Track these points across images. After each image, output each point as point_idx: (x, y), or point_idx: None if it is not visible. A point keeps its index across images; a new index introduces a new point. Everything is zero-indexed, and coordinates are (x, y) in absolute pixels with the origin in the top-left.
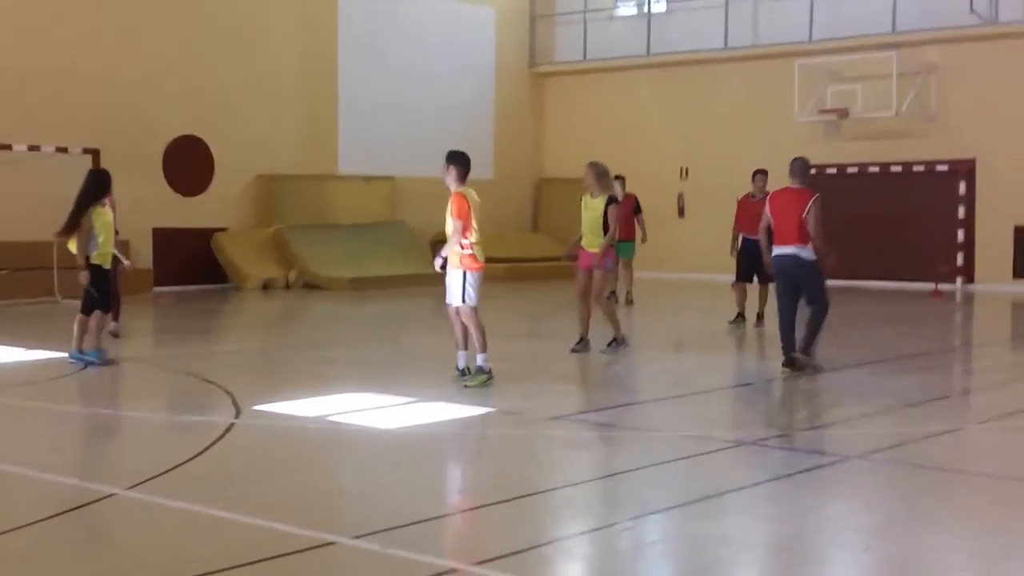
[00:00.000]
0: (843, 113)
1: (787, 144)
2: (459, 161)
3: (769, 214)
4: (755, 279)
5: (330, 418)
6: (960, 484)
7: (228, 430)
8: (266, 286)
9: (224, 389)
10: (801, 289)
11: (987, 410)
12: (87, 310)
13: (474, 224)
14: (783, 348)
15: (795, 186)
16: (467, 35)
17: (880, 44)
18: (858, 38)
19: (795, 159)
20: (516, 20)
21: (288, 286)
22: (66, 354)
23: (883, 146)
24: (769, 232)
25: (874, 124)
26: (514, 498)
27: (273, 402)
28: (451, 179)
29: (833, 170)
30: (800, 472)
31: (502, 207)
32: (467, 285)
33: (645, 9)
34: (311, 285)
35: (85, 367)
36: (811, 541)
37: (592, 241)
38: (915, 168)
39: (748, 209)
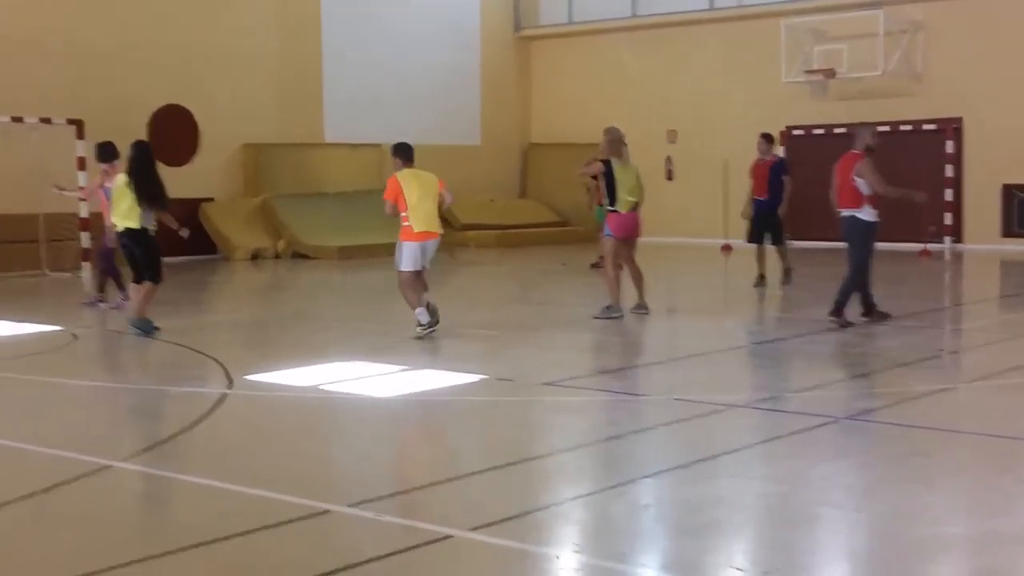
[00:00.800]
0: (829, 73)
1: (774, 105)
2: (398, 151)
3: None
4: (767, 240)
5: (322, 387)
6: (950, 443)
7: (221, 401)
8: (255, 256)
9: (216, 360)
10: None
11: (977, 369)
12: (142, 279)
13: (411, 200)
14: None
15: (854, 151)
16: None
17: (865, 3)
18: None
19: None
20: None
21: (277, 256)
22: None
23: (870, 106)
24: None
25: (861, 84)
26: (508, 464)
27: (265, 372)
28: (394, 166)
29: (820, 131)
30: (792, 434)
31: (489, 173)
32: (398, 253)
33: None
34: (300, 254)
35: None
36: (803, 501)
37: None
38: (902, 128)
39: (755, 171)
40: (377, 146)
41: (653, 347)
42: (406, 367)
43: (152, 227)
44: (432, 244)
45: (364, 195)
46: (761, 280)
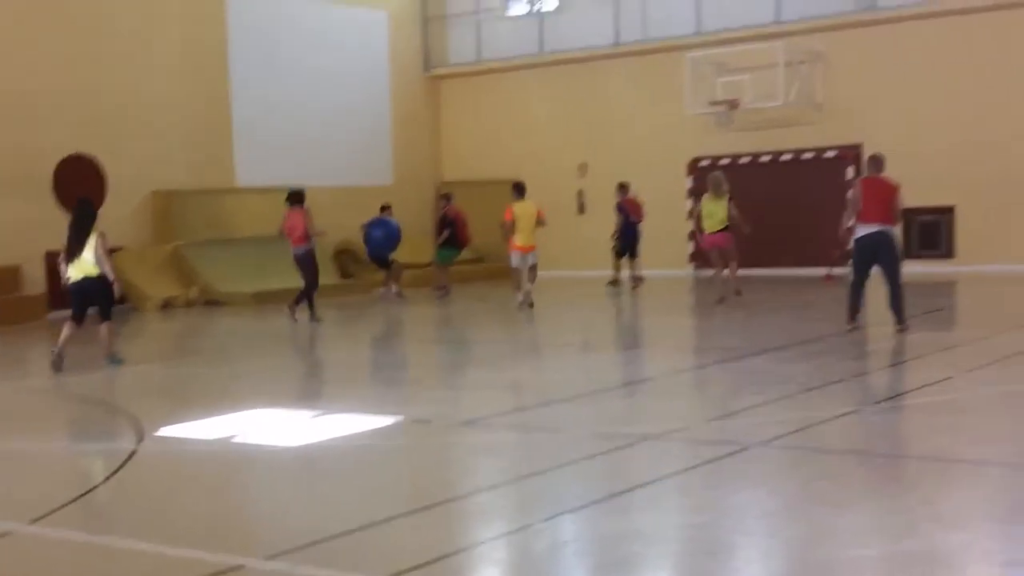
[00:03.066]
0: (733, 104)
1: (680, 136)
2: (515, 188)
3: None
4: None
5: (236, 437)
6: (858, 465)
7: (131, 456)
8: (166, 305)
9: (126, 413)
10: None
11: (880, 391)
12: (106, 317)
13: (518, 223)
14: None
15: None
16: (360, 39)
17: (765, 35)
18: (744, 29)
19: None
20: (408, 23)
21: (189, 304)
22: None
23: (773, 135)
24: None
25: (763, 114)
26: (426, 507)
27: (177, 424)
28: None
29: (726, 160)
30: (705, 463)
31: (402, 212)
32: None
33: (536, 8)
34: (213, 302)
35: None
36: (718, 530)
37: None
38: (804, 155)
39: (629, 205)
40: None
41: (569, 382)
42: (321, 412)
43: (105, 272)
44: (531, 254)
45: (278, 239)
46: (616, 283)
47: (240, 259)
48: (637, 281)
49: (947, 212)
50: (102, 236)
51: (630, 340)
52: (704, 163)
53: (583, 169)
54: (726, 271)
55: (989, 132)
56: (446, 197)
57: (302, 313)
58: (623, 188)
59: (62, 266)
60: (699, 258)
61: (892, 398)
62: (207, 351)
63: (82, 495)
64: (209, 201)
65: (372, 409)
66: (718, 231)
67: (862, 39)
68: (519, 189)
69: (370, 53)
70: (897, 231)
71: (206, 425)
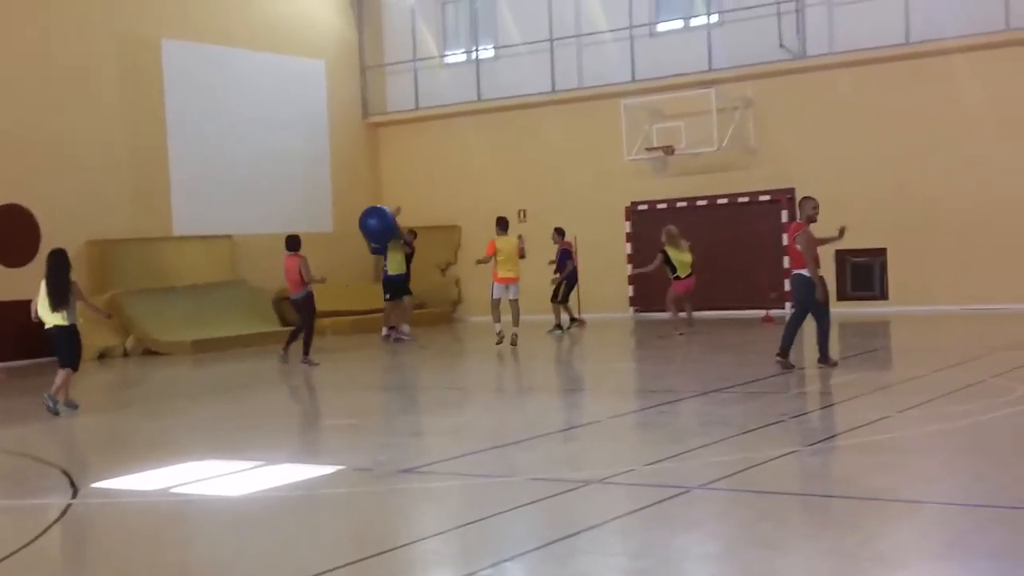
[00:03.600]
0: (669, 150)
1: (618, 182)
2: (498, 223)
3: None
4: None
5: (174, 489)
6: (796, 507)
7: (65, 512)
8: (103, 355)
9: (60, 468)
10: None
11: (818, 432)
12: (65, 365)
13: (499, 256)
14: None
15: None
16: (299, 88)
17: (698, 82)
18: (678, 77)
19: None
20: (347, 71)
21: (126, 354)
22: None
23: (709, 180)
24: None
25: (699, 159)
26: (366, 557)
27: (113, 478)
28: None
29: (663, 205)
30: (646, 507)
31: (343, 259)
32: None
33: (473, 56)
34: (151, 351)
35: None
36: (660, 574)
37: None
38: (740, 200)
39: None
40: (228, 237)
41: (513, 426)
42: (261, 463)
43: (74, 321)
44: (514, 285)
45: (216, 287)
46: (558, 327)
47: (178, 308)
48: (580, 324)
49: (879, 254)
50: (76, 285)
51: (573, 383)
52: (642, 207)
53: (523, 215)
54: (683, 313)
55: (918, 176)
56: (411, 233)
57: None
58: (561, 232)
59: (34, 312)
60: (639, 302)
61: (830, 438)
62: (145, 401)
63: (13, 552)
64: (146, 250)
65: (313, 458)
66: (689, 276)
67: (792, 86)
68: (502, 224)
69: (308, 101)
70: (805, 274)
71: (144, 477)
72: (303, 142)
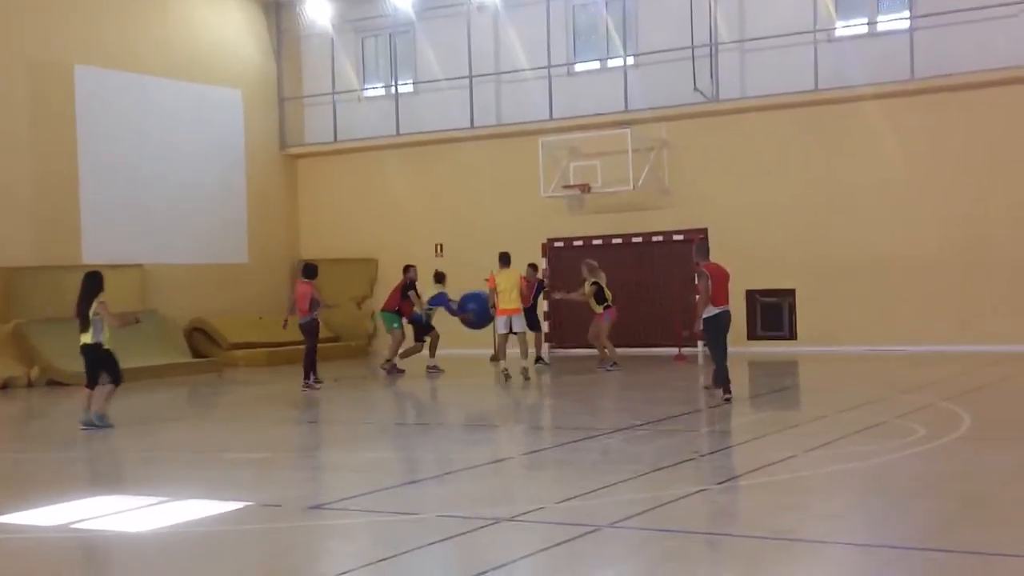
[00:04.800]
0: (585, 188)
1: (535, 218)
2: (501, 259)
3: (711, 282)
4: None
5: (76, 525)
6: (702, 546)
7: None
8: (5, 385)
9: None
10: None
11: (726, 470)
12: (92, 383)
13: (499, 289)
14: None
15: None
16: (214, 117)
17: (615, 122)
18: (594, 116)
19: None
20: (264, 102)
21: (30, 384)
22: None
23: (624, 218)
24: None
25: (615, 198)
26: None
27: (11, 512)
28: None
29: (579, 242)
30: (556, 545)
31: (258, 291)
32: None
33: (392, 90)
34: (56, 382)
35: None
36: None
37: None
38: (654, 238)
39: (526, 286)
40: (139, 266)
41: (424, 462)
42: (166, 498)
43: (100, 340)
44: (516, 317)
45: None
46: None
47: None
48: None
49: (788, 294)
50: (101, 304)
51: (487, 419)
52: (558, 244)
53: (439, 249)
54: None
55: (828, 218)
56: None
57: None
58: (534, 268)
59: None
60: (555, 338)
61: (737, 477)
62: (47, 434)
63: None
64: (53, 278)
65: (219, 494)
66: (613, 305)
67: (705, 128)
68: (504, 259)
69: (225, 131)
70: (708, 312)
71: (44, 512)
72: (219, 172)
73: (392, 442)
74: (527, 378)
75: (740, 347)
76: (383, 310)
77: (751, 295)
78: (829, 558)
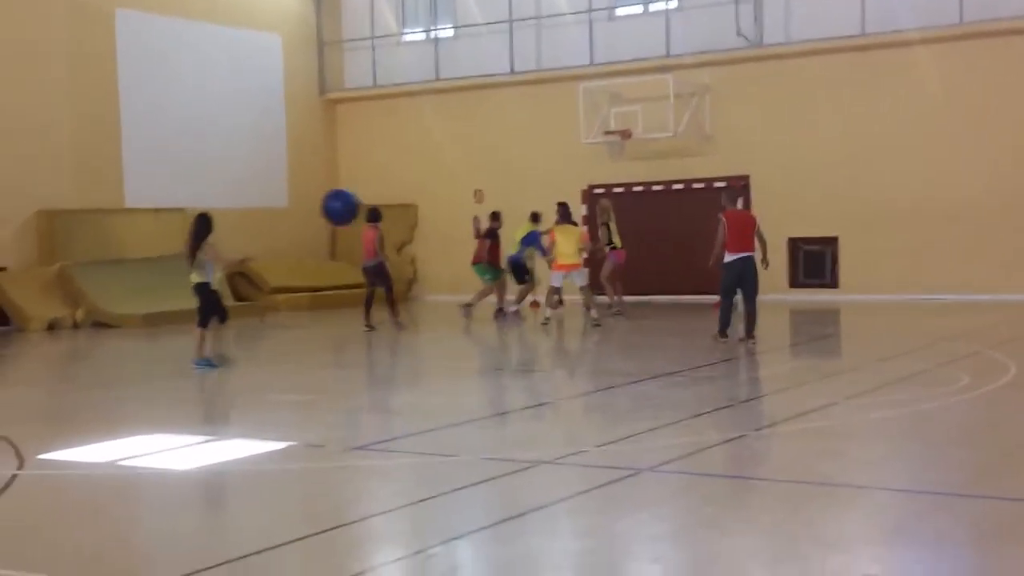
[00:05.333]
0: (626, 134)
1: (575, 164)
2: (559, 209)
3: (727, 229)
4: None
5: (122, 462)
6: (743, 489)
7: (10, 483)
8: (52, 326)
9: (5, 439)
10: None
11: (766, 417)
12: (203, 323)
13: (560, 244)
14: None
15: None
16: (254, 62)
17: (656, 67)
18: (636, 61)
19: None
20: (304, 47)
21: (76, 325)
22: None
23: (665, 165)
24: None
25: (655, 144)
26: (317, 533)
27: (61, 449)
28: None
29: (620, 189)
30: (595, 488)
31: (298, 236)
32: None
33: (432, 35)
34: (101, 323)
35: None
36: (606, 555)
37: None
38: (695, 185)
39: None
40: (181, 210)
41: (465, 406)
42: (211, 437)
43: (208, 280)
44: (576, 273)
45: (168, 260)
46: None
47: (130, 280)
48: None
49: (831, 242)
50: (211, 246)
51: (525, 365)
52: (598, 191)
53: (479, 195)
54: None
55: (872, 166)
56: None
57: (403, 316)
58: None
59: None
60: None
61: (777, 424)
62: (94, 374)
63: None
64: (97, 221)
65: (264, 434)
66: (621, 248)
67: (749, 74)
68: (565, 213)
69: (264, 76)
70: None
71: (91, 450)
72: (259, 116)
73: (433, 386)
74: (598, 324)
75: (781, 295)
76: (473, 263)
77: (793, 243)
78: (869, 503)
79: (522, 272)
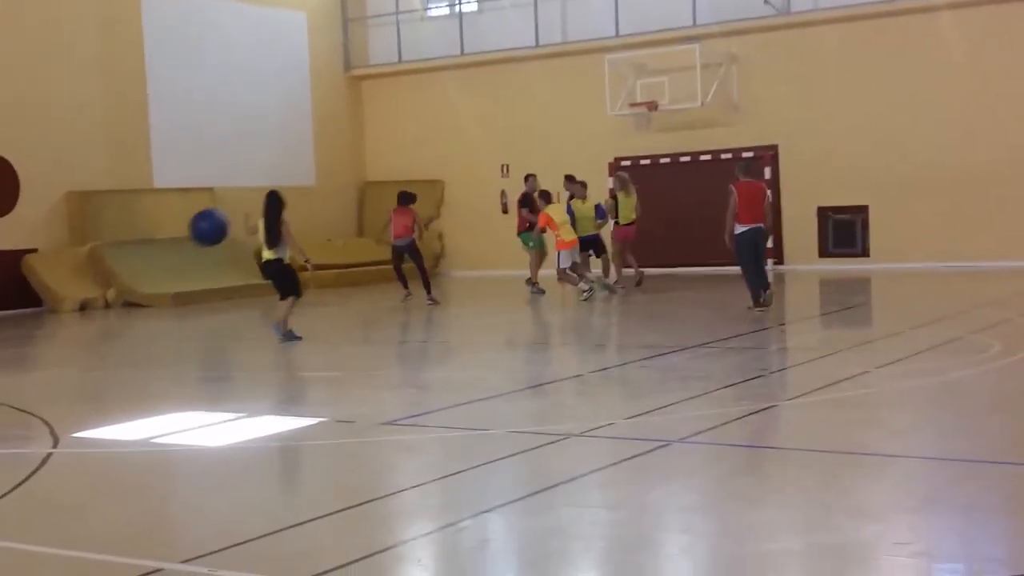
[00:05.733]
0: (652, 106)
1: (602, 138)
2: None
3: (737, 200)
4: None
5: (155, 440)
6: (773, 460)
7: (45, 461)
8: (83, 307)
9: (40, 418)
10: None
11: (797, 387)
12: (284, 296)
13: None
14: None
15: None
16: (280, 40)
17: (682, 37)
18: (662, 32)
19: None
20: (328, 23)
21: (107, 305)
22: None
23: (692, 136)
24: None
25: (682, 115)
26: (347, 507)
27: (94, 428)
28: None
29: (647, 161)
30: (625, 460)
31: (325, 213)
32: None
33: (456, 9)
34: (132, 303)
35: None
36: (636, 526)
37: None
38: (723, 156)
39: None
40: (209, 189)
41: (493, 380)
42: (243, 414)
43: (284, 256)
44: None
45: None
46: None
47: (159, 260)
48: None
49: (861, 211)
50: (285, 224)
51: (553, 338)
52: (625, 163)
53: (505, 170)
54: (629, 270)
55: (901, 133)
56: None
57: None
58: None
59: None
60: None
61: (808, 393)
62: (126, 353)
63: None
64: (126, 201)
65: (294, 410)
66: (631, 224)
67: (776, 42)
68: (545, 196)
69: (289, 53)
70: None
71: (125, 428)
72: (285, 94)
73: (461, 360)
74: (613, 292)
75: (811, 264)
76: (518, 233)
77: (823, 212)
78: (901, 471)
79: (594, 246)
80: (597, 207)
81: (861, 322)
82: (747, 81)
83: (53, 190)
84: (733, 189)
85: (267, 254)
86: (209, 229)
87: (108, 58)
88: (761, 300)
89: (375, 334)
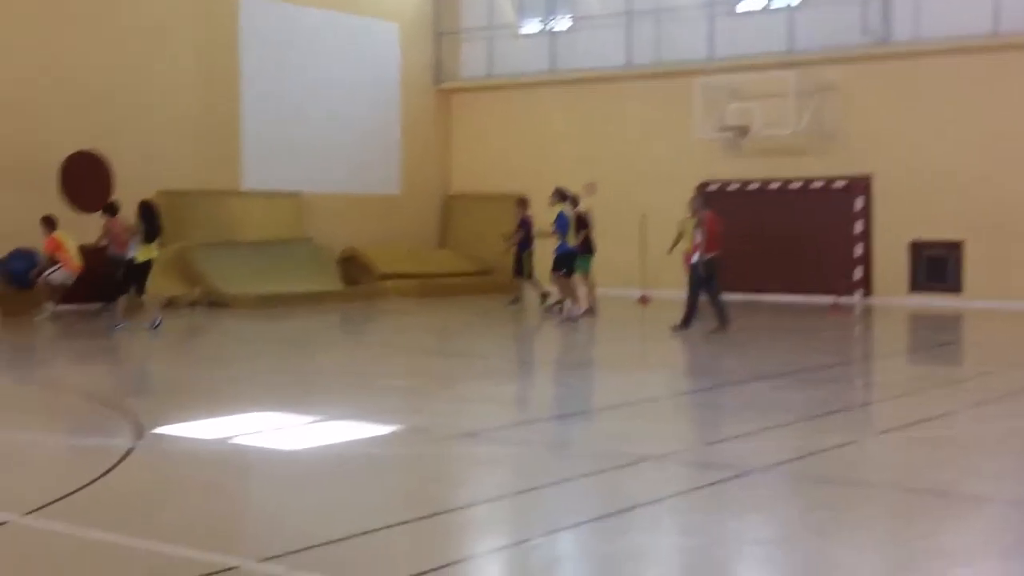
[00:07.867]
0: (743, 131)
1: (689, 160)
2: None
3: (709, 230)
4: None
5: (234, 439)
6: (856, 496)
7: (128, 454)
8: (169, 304)
9: (125, 411)
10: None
11: (883, 422)
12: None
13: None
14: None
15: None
16: (371, 50)
17: (778, 63)
18: (757, 57)
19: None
20: (420, 36)
21: (193, 304)
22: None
23: (783, 163)
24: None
25: (773, 141)
26: (422, 517)
27: (176, 424)
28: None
29: (735, 186)
30: (703, 487)
31: (409, 223)
32: None
33: (549, 26)
34: (216, 303)
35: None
36: (713, 555)
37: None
38: (813, 184)
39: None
40: (296, 195)
41: (570, 399)
42: (321, 418)
43: None
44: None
45: (282, 244)
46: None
47: (244, 262)
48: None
49: (955, 247)
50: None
51: (631, 361)
52: (712, 187)
53: (591, 188)
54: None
55: (999, 168)
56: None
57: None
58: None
59: None
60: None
61: (894, 430)
62: (210, 351)
63: (78, 489)
64: (214, 203)
65: (371, 417)
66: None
67: (875, 72)
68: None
69: (381, 63)
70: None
71: (205, 425)
72: (374, 104)
73: (537, 378)
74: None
75: (902, 298)
76: (580, 254)
77: (915, 246)
78: (991, 515)
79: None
80: (559, 216)
81: (952, 360)
82: (843, 110)
83: (145, 189)
84: (704, 218)
85: (150, 253)
86: (21, 271)
87: (205, 63)
88: (720, 324)
89: (453, 345)
